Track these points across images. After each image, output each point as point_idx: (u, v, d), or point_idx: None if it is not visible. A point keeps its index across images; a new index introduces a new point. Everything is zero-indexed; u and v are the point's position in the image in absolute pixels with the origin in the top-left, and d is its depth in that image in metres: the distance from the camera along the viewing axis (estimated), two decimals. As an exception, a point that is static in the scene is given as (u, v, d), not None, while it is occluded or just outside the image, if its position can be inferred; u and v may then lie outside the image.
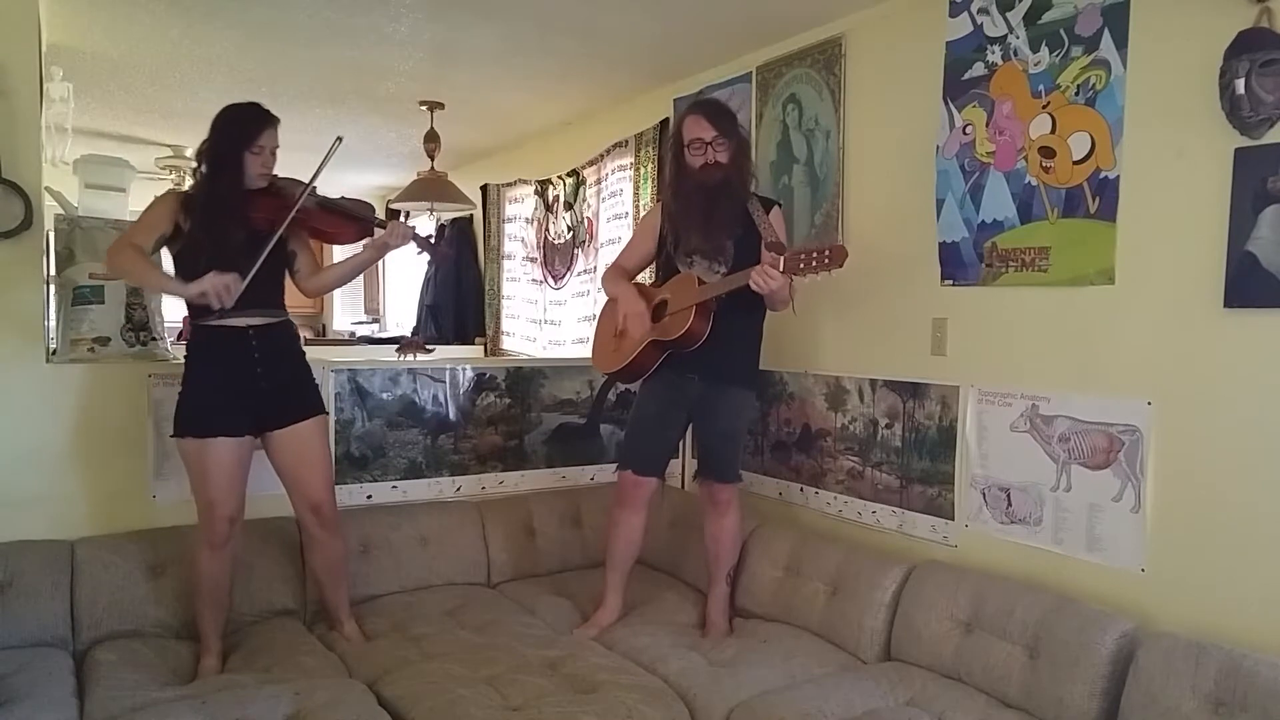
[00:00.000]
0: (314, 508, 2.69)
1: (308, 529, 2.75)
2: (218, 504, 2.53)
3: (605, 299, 3.13)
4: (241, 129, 2.53)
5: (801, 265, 2.45)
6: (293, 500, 2.72)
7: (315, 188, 2.64)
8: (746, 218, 2.73)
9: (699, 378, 2.80)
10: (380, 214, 2.93)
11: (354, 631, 2.78)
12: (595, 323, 3.18)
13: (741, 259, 2.68)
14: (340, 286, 3.13)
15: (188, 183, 6.16)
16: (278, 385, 2.60)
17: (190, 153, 5.84)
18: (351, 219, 2.77)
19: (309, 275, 2.77)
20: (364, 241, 2.79)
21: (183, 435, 2.53)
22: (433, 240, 2.98)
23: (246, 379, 2.55)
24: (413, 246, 2.81)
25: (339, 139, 2.64)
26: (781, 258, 2.49)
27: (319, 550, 2.77)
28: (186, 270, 2.51)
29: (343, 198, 2.83)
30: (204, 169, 2.55)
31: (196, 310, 2.54)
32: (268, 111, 2.57)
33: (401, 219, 2.88)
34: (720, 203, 2.72)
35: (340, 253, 6.08)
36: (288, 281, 2.71)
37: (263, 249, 2.51)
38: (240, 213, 2.51)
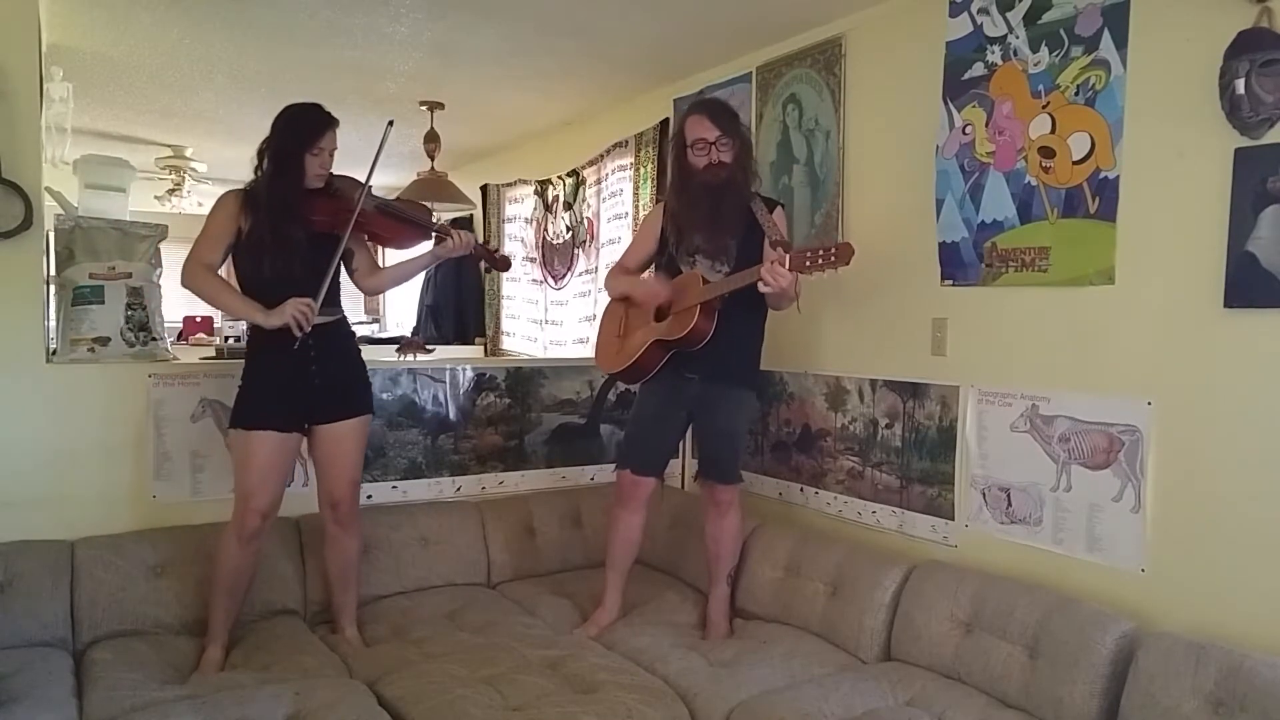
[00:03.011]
0: (334, 503, 2.74)
1: (326, 524, 2.79)
2: (252, 496, 2.57)
3: (607, 298, 3.13)
4: (302, 131, 2.57)
5: (808, 263, 2.44)
6: (318, 494, 2.78)
7: (371, 188, 2.68)
8: (749, 217, 2.73)
9: (699, 378, 2.79)
10: None
11: (354, 637, 2.78)
12: (598, 323, 3.18)
13: (744, 258, 2.68)
14: (397, 287, 3.20)
15: (187, 185, 6.18)
16: (330, 383, 2.65)
17: (190, 151, 5.87)
18: (408, 224, 2.80)
19: (367, 274, 2.84)
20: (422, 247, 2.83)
21: (233, 426, 2.62)
22: (495, 250, 2.99)
23: (301, 376, 2.60)
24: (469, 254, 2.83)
25: (390, 123, 2.67)
26: (788, 255, 2.48)
27: (333, 547, 2.80)
28: (247, 269, 2.59)
29: (399, 198, 2.85)
30: (266, 168, 2.58)
31: (262, 305, 2.59)
32: (328, 114, 2.62)
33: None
34: (724, 202, 2.71)
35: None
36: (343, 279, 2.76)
37: (321, 249, 2.57)
38: (301, 214, 2.56)
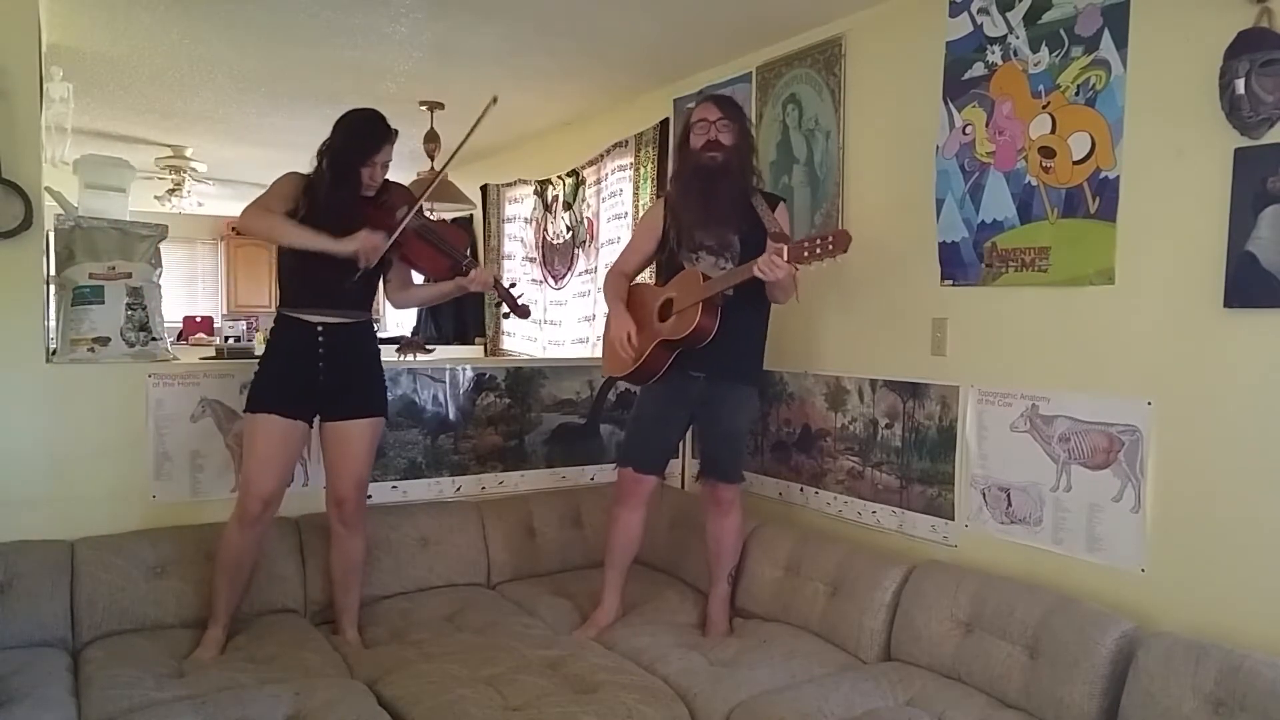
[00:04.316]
0: (339, 501, 2.76)
1: (331, 523, 2.81)
2: (254, 481, 2.60)
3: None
4: (359, 144, 2.63)
5: (806, 253, 2.45)
6: (326, 491, 2.81)
7: (421, 208, 2.73)
8: (751, 213, 2.72)
9: (705, 376, 2.78)
10: None
11: (354, 639, 2.79)
12: (604, 325, 3.16)
13: (748, 255, 2.66)
14: (420, 307, 3.25)
15: (187, 185, 6.18)
16: (338, 381, 2.68)
17: (190, 151, 5.87)
18: (440, 253, 2.81)
19: (399, 288, 2.91)
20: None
21: (245, 411, 2.68)
22: (517, 295, 2.96)
23: (308, 371, 2.65)
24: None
25: (494, 99, 2.72)
26: (786, 247, 2.49)
27: (338, 546, 2.81)
28: (288, 257, 2.66)
29: (442, 220, 2.85)
30: (325, 169, 2.64)
31: (287, 296, 2.69)
32: (386, 127, 2.66)
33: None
34: (720, 187, 2.70)
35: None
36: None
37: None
38: (349, 223, 2.59)
